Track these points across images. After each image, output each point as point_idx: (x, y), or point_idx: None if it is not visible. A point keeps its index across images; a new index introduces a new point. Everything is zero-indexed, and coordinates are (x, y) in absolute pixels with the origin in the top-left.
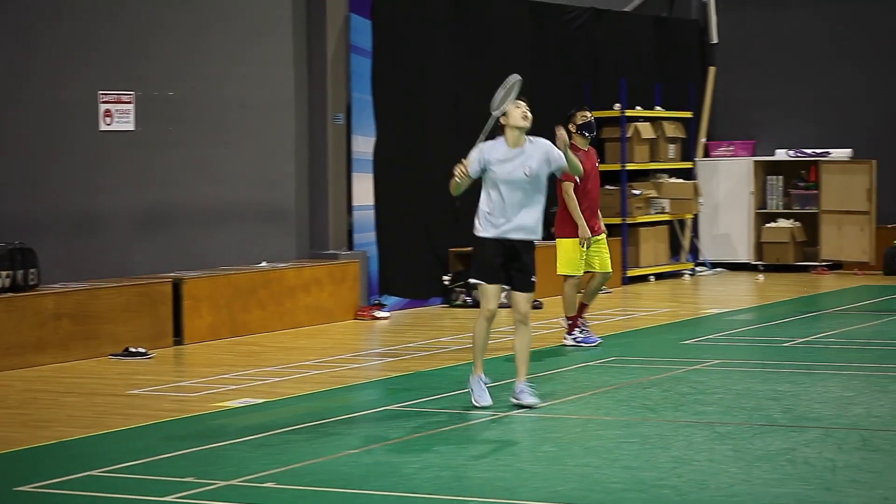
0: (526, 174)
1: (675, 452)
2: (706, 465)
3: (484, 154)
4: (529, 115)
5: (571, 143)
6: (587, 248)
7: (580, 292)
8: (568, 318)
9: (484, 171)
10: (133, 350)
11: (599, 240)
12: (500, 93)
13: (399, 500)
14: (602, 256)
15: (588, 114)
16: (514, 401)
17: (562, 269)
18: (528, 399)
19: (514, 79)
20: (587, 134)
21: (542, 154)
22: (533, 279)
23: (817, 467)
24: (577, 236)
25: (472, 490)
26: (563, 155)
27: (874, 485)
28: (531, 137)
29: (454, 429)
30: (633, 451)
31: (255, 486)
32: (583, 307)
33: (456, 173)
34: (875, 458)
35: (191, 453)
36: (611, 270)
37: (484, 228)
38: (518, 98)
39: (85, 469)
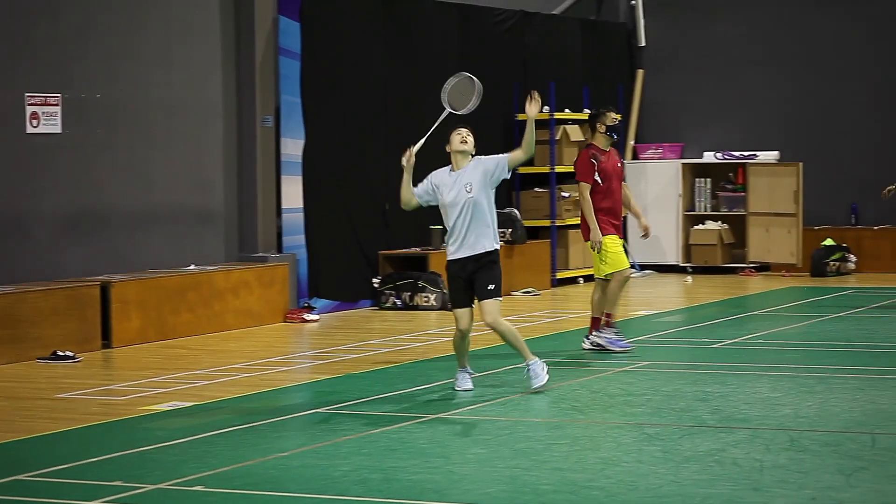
0: (468, 191)
1: (603, 454)
2: (635, 466)
3: (431, 181)
4: (469, 139)
5: (592, 144)
6: (598, 251)
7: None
8: (607, 317)
9: (434, 197)
10: (61, 353)
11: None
12: (449, 87)
13: (328, 502)
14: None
15: (617, 115)
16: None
17: (608, 269)
18: (465, 384)
19: (466, 77)
20: (615, 136)
21: (480, 169)
22: (490, 287)
23: (745, 468)
24: (613, 233)
25: (401, 492)
26: (502, 157)
27: (801, 485)
28: (477, 157)
29: (383, 431)
30: (563, 453)
31: (184, 489)
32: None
33: (403, 161)
34: (802, 459)
35: (119, 457)
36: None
37: (448, 253)
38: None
39: (12, 473)
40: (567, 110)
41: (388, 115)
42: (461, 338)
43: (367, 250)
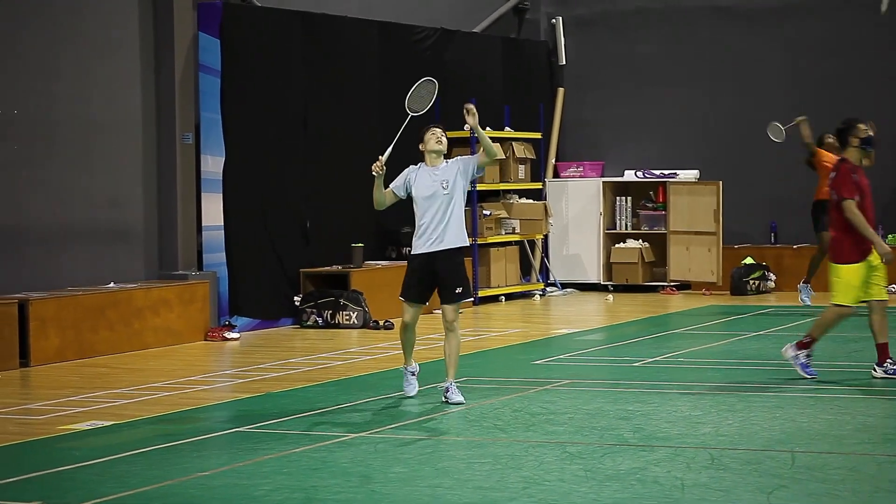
0: (444, 188)
1: (525, 472)
2: (557, 484)
3: (407, 177)
4: (444, 139)
5: (846, 158)
6: (889, 262)
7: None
8: (809, 338)
9: (408, 193)
10: None
11: (878, 265)
12: (413, 93)
13: None
14: (880, 283)
15: (867, 127)
16: (444, 400)
17: (837, 299)
18: (456, 397)
19: (427, 81)
20: (869, 149)
21: (457, 167)
22: (458, 290)
23: (666, 486)
24: (859, 260)
25: None
26: (473, 157)
27: (722, 503)
28: (454, 158)
29: (305, 450)
30: (485, 472)
31: None
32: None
33: (373, 169)
34: (723, 477)
35: (37, 477)
36: (886, 298)
37: (414, 247)
38: (431, 122)
39: None
40: (488, 128)
41: (309, 132)
42: (406, 331)
43: (289, 268)
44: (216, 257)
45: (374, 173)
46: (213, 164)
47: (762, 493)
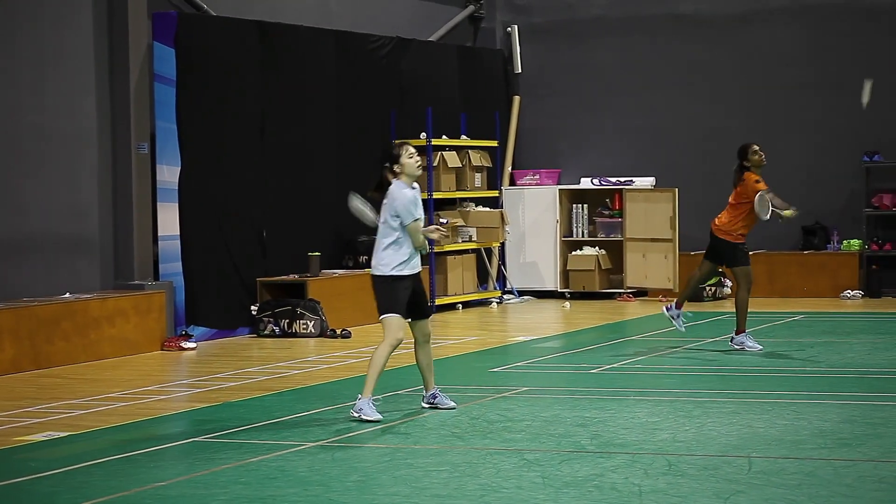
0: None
1: (483, 480)
2: (514, 492)
3: (417, 197)
4: (422, 162)
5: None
6: None
7: None
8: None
9: (397, 215)
10: None
11: None
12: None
13: None
14: None
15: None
16: (428, 405)
17: None
18: (447, 402)
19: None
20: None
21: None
22: (430, 304)
23: (624, 493)
24: None
25: None
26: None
27: None
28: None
29: (262, 460)
30: (442, 480)
31: None
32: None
33: (440, 235)
34: (680, 483)
35: None
36: None
37: (399, 269)
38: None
39: None
40: (444, 136)
41: (265, 141)
42: (391, 351)
43: (245, 277)
44: (172, 267)
45: (441, 237)
46: (169, 174)
47: (719, 498)
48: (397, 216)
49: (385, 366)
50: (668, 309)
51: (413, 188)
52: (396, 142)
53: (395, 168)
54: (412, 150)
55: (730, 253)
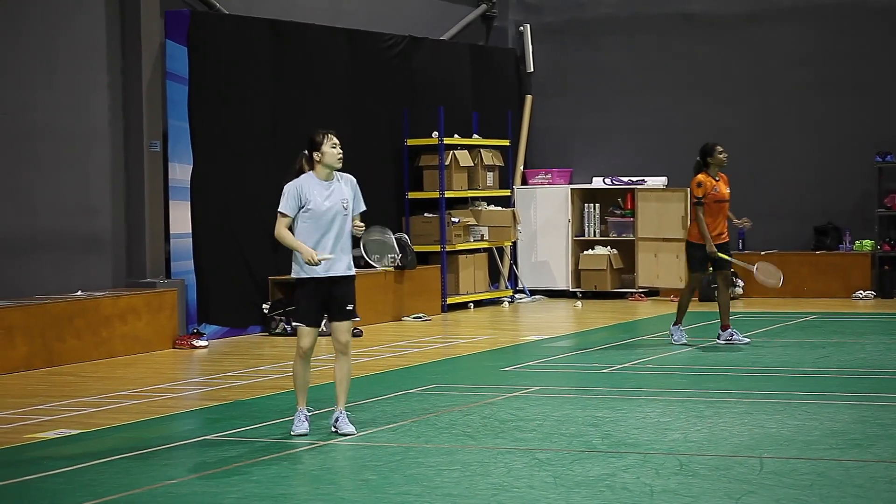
0: (344, 207)
1: (494, 479)
2: (526, 491)
3: (299, 190)
4: (342, 155)
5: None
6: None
7: None
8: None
9: (301, 208)
10: None
11: None
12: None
13: None
14: None
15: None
16: (333, 429)
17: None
18: (346, 427)
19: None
20: None
21: (352, 190)
22: (350, 307)
23: (635, 492)
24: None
25: None
26: (357, 202)
27: None
28: (346, 175)
29: (274, 458)
30: (454, 479)
31: None
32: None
33: (317, 260)
34: (692, 483)
35: (4, 486)
36: None
37: (305, 270)
38: (332, 134)
39: None
40: (456, 135)
41: (277, 140)
42: (302, 362)
43: (257, 275)
44: (184, 265)
45: (315, 262)
46: (181, 172)
47: (731, 498)
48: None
49: (303, 377)
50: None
51: (327, 179)
52: (321, 131)
53: (315, 156)
54: (335, 139)
55: (687, 253)
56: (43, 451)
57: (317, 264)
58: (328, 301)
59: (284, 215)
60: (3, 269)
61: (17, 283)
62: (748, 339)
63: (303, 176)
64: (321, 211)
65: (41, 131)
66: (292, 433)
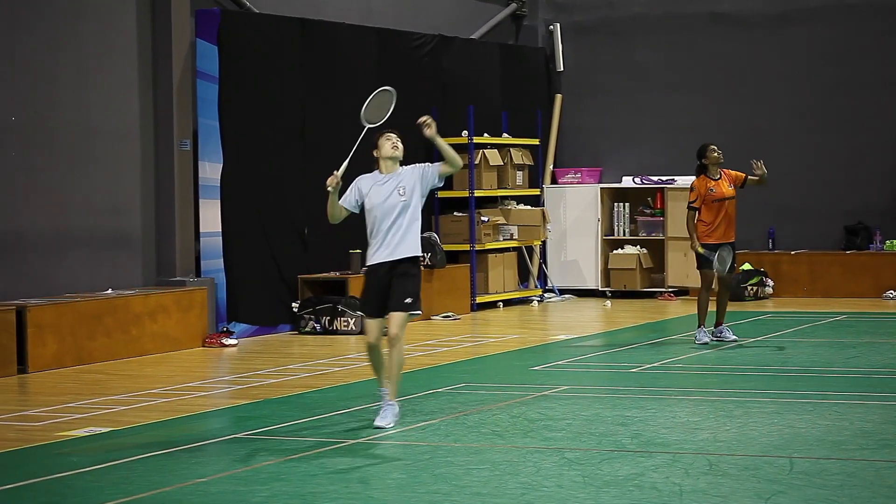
0: (401, 194)
1: (524, 479)
2: (555, 490)
3: (358, 186)
4: (400, 145)
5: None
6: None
7: None
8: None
9: (361, 202)
10: None
11: None
12: (370, 103)
13: None
14: None
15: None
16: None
17: None
18: (378, 420)
19: (383, 91)
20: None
21: (416, 174)
22: (408, 300)
23: (664, 492)
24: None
25: None
26: (433, 165)
27: None
28: (403, 167)
29: (303, 457)
30: (483, 478)
31: None
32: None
33: (328, 184)
34: (721, 483)
35: (35, 484)
36: None
37: (369, 259)
38: (389, 130)
39: None
40: (486, 134)
41: (307, 138)
42: (370, 351)
43: (286, 274)
44: (214, 263)
45: (328, 189)
46: (211, 171)
47: (760, 498)
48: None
49: (376, 363)
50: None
51: (387, 172)
52: (381, 131)
53: (375, 153)
54: (390, 133)
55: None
56: (73, 449)
57: (334, 186)
58: (388, 290)
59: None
60: (34, 268)
61: (48, 281)
62: (708, 340)
63: (371, 173)
64: (375, 204)
65: (72, 130)
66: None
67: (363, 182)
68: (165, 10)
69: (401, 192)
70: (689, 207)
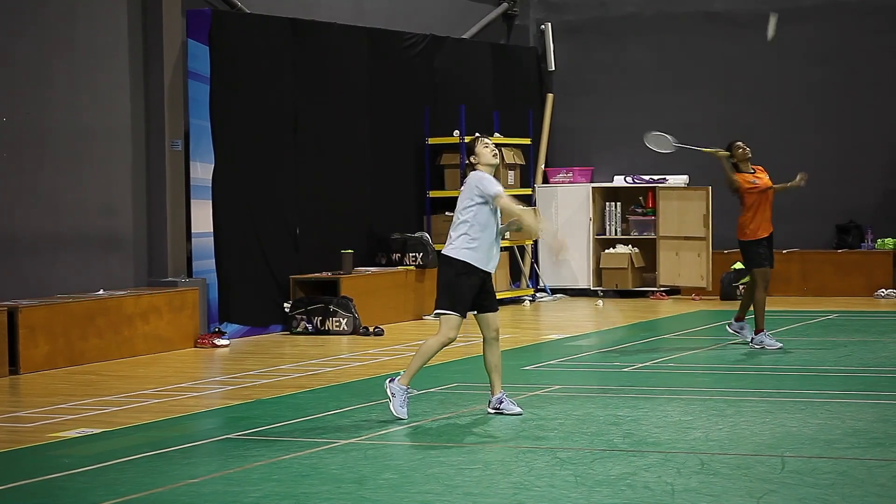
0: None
1: (515, 479)
2: (547, 490)
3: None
4: (497, 152)
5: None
6: None
7: None
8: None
9: (484, 202)
10: None
11: None
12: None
13: None
14: None
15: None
16: (494, 411)
17: None
18: (513, 408)
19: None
20: None
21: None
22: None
23: (657, 491)
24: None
25: None
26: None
27: None
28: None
29: (295, 457)
30: (475, 478)
31: None
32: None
33: (558, 251)
34: (713, 482)
35: (27, 485)
36: None
37: (474, 260)
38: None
39: None
40: (477, 134)
41: (298, 138)
42: (441, 347)
43: (278, 274)
44: (206, 264)
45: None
46: (203, 171)
47: (752, 497)
48: (480, 196)
49: (430, 360)
50: (729, 325)
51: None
52: (475, 136)
53: (472, 159)
54: (487, 140)
55: (744, 252)
56: (65, 450)
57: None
58: (481, 294)
59: (510, 197)
60: (25, 269)
61: (40, 282)
62: (780, 345)
63: (477, 172)
64: (492, 210)
65: (63, 131)
66: (388, 393)
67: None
68: (156, 10)
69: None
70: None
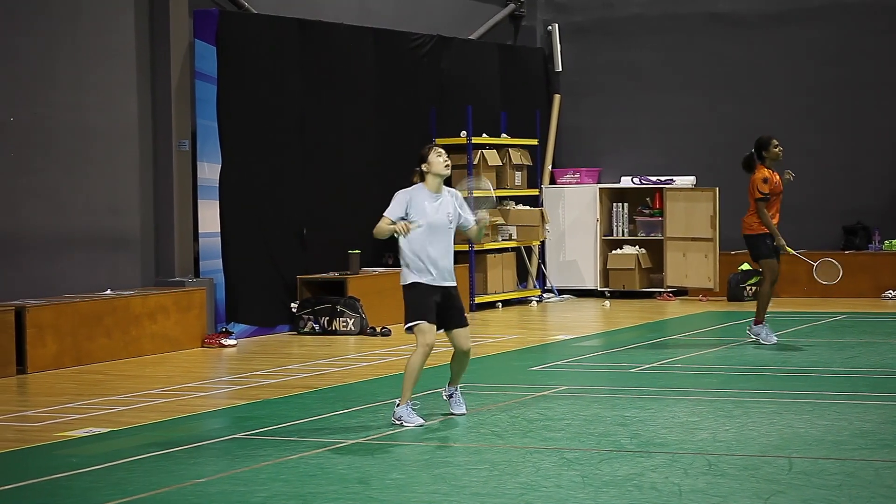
0: (448, 220)
1: (523, 479)
2: (554, 491)
3: (410, 201)
4: (450, 162)
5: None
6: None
7: None
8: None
9: (403, 217)
10: None
11: None
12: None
13: None
14: None
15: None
16: (447, 397)
17: None
18: (457, 408)
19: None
20: None
21: (453, 203)
22: (465, 314)
23: (664, 492)
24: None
25: None
26: (467, 218)
27: None
28: (453, 190)
29: (302, 457)
30: (482, 478)
31: None
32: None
33: (401, 231)
34: (720, 483)
35: (34, 484)
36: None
37: (420, 278)
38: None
39: None
40: (484, 135)
41: (305, 138)
42: (425, 358)
43: (285, 274)
44: (213, 264)
45: (400, 234)
46: (210, 171)
47: (759, 498)
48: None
49: (419, 372)
50: (749, 329)
51: (436, 192)
52: (428, 145)
53: (423, 167)
54: (441, 150)
55: (751, 245)
56: (72, 450)
57: (406, 233)
58: (447, 310)
59: (386, 218)
60: (33, 269)
61: (47, 282)
62: (776, 339)
63: (415, 186)
64: (431, 221)
65: (70, 131)
66: (407, 425)
67: (414, 197)
68: (164, 10)
69: (449, 218)
70: (761, 199)
